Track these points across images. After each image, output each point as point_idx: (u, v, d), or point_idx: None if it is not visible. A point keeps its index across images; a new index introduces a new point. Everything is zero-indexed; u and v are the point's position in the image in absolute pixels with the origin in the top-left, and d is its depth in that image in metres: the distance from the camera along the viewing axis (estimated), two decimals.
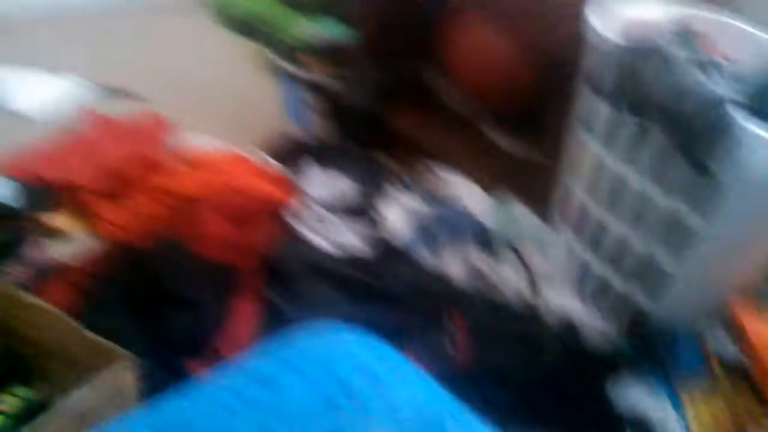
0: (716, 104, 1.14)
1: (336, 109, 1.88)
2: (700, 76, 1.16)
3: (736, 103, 1.15)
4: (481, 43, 1.92)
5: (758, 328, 1.39)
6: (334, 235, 1.59)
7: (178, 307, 1.45)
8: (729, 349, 1.52)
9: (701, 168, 1.19)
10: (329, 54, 2.13)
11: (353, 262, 1.51)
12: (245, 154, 1.81)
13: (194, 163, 1.73)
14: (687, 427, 1.34)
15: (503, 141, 1.92)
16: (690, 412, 1.37)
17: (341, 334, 0.93)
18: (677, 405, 1.37)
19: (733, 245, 1.32)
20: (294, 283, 1.47)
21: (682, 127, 1.17)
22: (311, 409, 0.82)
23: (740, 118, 1.15)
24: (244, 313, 1.47)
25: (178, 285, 1.48)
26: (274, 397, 0.82)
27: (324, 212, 1.63)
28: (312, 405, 0.82)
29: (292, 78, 2.12)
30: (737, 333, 1.44)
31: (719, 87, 1.16)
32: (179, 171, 1.71)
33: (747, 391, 1.37)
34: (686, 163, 1.23)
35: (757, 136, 1.13)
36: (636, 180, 1.36)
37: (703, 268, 1.37)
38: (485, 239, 1.72)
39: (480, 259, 1.62)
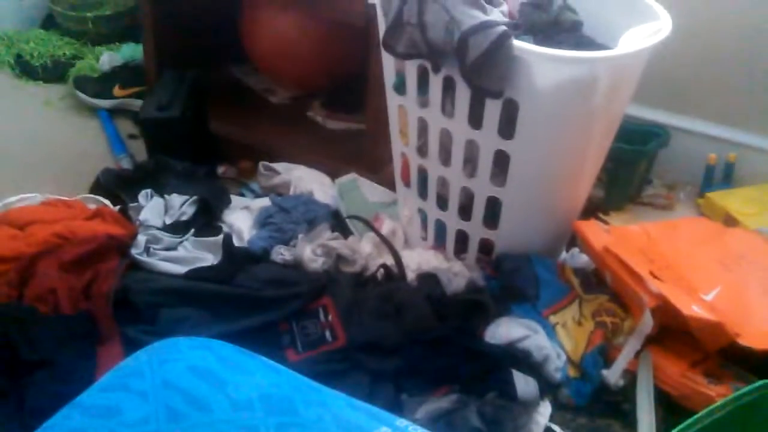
0: (494, 33, 1.19)
1: (157, 131, 1.84)
2: (473, 11, 1.20)
3: (511, 27, 1.20)
4: (279, 30, 1.93)
5: (598, 236, 1.49)
6: (180, 255, 1.56)
7: (40, 371, 1.38)
8: (581, 260, 1.62)
9: (492, 94, 1.25)
10: (133, 76, 2.09)
11: (202, 275, 1.48)
12: (74, 200, 1.74)
13: (22, 223, 1.65)
14: (558, 342, 1.41)
15: (330, 122, 1.94)
16: (558, 329, 1.43)
17: (177, 347, 0.92)
18: (546, 325, 1.44)
19: (540, 161, 1.39)
20: (150, 314, 1.43)
21: (466, 61, 1.21)
22: (154, 425, 0.80)
23: (517, 41, 1.22)
24: (110, 358, 1.42)
25: (33, 350, 1.41)
26: (114, 424, 0.80)
27: (166, 236, 1.59)
28: (155, 421, 0.80)
29: (108, 112, 2.07)
30: (584, 245, 1.54)
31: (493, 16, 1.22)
32: (8, 235, 1.63)
33: (603, 294, 1.47)
34: (475, 93, 1.29)
35: (534, 53, 1.20)
36: (459, 128, 1.40)
37: (524, 190, 1.44)
38: (337, 221, 1.73)
39: (334, 241, 1.62)
